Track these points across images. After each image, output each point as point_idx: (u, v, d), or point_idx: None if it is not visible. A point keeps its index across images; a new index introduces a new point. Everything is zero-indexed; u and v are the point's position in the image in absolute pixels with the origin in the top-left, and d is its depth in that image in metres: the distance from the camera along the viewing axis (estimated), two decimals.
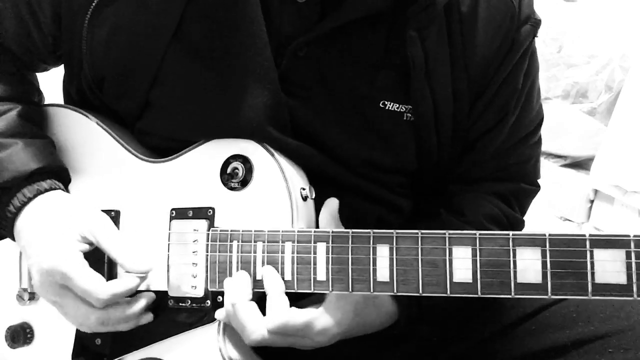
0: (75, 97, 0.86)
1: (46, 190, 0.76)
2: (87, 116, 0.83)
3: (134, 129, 0.82)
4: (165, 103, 0.79)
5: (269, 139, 0.75)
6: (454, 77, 0.79)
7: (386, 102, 0.79)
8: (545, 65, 1.97)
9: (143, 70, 0.77)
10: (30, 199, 0.74)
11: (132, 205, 0.79)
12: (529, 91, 0.86)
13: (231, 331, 0.75)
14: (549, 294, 0.61)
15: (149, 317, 0.75)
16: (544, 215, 1.90)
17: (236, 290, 0.69)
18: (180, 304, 0.75)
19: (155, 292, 0.76)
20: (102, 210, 0.78)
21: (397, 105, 0.79)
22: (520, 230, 0.89)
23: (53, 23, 0.81)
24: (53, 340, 0.80)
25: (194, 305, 0.74)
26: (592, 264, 0.60)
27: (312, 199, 0.75)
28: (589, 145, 1.95)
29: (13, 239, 0.76)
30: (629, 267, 0.58)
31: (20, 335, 0.80)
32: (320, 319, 0.68)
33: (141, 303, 0.73)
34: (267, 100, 0.76)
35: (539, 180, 0.94)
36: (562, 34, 1.96)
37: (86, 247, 0.72)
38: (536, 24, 0.82)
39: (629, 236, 0.59)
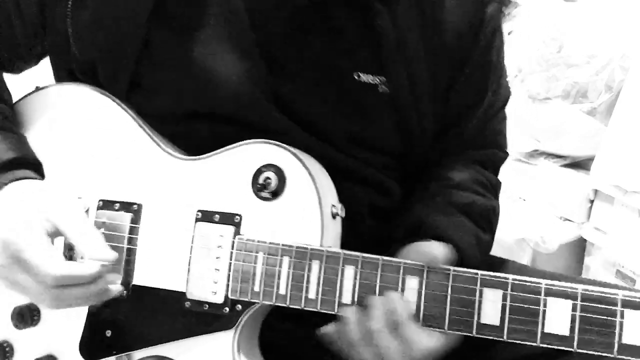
0: None
1: (21, 179, 0.75)
2: (114, 100, 0.82)
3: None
4: (153, 80, 0.80)
5: (260, 109, 0.77)
6: (428, 53, 0.81)
7: (360, 74, 0.80)
8: (545, 65, 1.96)
9: (129, 49, 0.79)
10: (3, 185, 0.73)
11: (155, 201, 0.78)
12: (500, 67, 0.90)
13: (245, 340, 0.74)
14: (575, 348, 0.63)
15: (118, 288, 0.73)
16: (544, 215, 1.89)
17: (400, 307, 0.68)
18: (198, 308, 0.74)
19: (173, 292, 0.75)
20: (124, 202, 0.76)
21: (371, 76, 0.80)
22: (499, 191, 0.94)
23: (37, 10, 0.82)
24: (60, 323, 0.80)
25: (211, 310, 0.74)
26: (622, 324, 0.61)
27: (341, 217, 0.75)
28: (589, 145, 1.95)
29: None
30: None
31: (27, 315, 0.80)
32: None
33: (102, 283, 0.70)
34: (251, 71, 0.78)
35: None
36: (562, 34, 1.96)
37: (50, 226, 0.70)
38: (502, 1, 0.86)
39: None
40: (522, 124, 1.98)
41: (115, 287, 0.74)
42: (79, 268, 0.68)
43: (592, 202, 1.94)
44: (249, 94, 0.79)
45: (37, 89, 0.87)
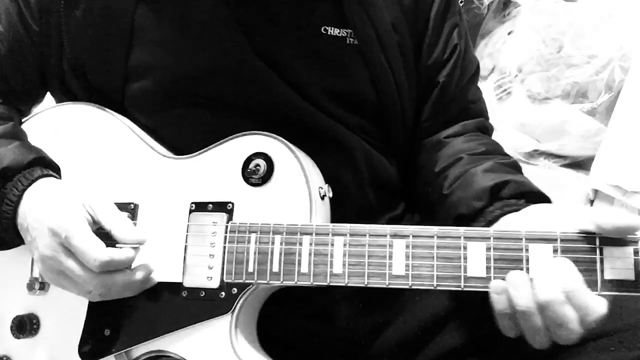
0: None
1: (47, 176, 0.79)
2: (109, 112, 0.86)
3: (126, 107, 0.86)
4: (142, 66, 0.84)
5: (251, 71, 0.82)
6: (389, 9, 0.86)
7: (327, 28, 0.84)
8: (545, 65, 1.97)
9: (118, 39, 0.83)
10: (33, 181, 0.78)
11: (151, 199, 0.82)
12: (465, 30, 0.94)
13: (243, 326, 0.75)
14: None
15: (152, 282, 0.77)
16: None
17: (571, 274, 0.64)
18: (194, 295, 0.76)
19: (169, 283, 0.77)
20: (120, 203, 0.80)
21: (338, 30, 0.85)
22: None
23: (39, 25, 0.86)
24: (58, 332, 0.82)
25: (208, 297, 0.75)
26: (602, 260, 0.61)
27: (329, 197, 0.77)
28: (589, 145, 1.95)
29: (15, 228, 0.77)
30: (637, 264, 0.60)
31: (26, 325, 0.82)
32: None
33: (142, 270, 0.75)
34: (231, 40, 0.82)
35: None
36: (562, 34, 1.96)
37: (89, 216, 0.75)
38: None
39: (636, 236, 0.60)
40: (522, 124, 1.98)
41: (154, 278, 0.78)
42: (120, 252, 0.73)
43: (592, 202, 1.94)
44: (230, 56, 0.83)
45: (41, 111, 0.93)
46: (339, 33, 0.85)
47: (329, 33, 0.85)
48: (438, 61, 0.91)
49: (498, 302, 0.66)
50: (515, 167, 0.87)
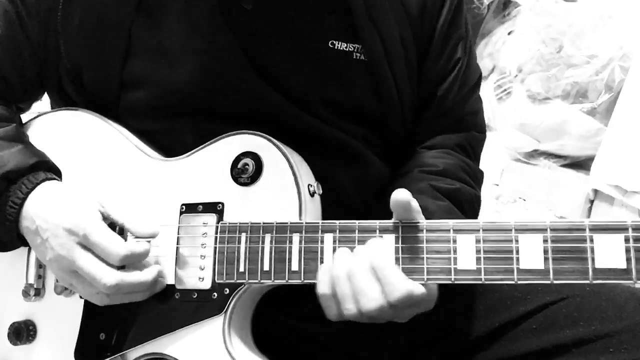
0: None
1: (50, 179, 0.79)
2: (102, 118, 0.86)
3: (119, 113, 0.86)
4: (139, 76, 0.83)
5: (248, 85, 0.81)
6: (397, 22, 0.85)
7: (335, 42, 0.83)
8: (545, 65, 1.97)
9: (114, 48, 0.82)
10: (37, 184, 0.78)
11: (142, 202, 0.81)
12: (469, 42, 0.93)
13: (236, 326, 0.75)
14: (551, 279, 0.62)
15: (162, 284, 0.77)
16: (544, 215, 1.89)
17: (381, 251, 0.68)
18: (187, 297, 0.76)
19: None
20: None
21: (346, 44, 0.83)
22: (482, 183, 0.95)
23: (38, 28, 0.86)
24: (55, 338, 0.82)
25: (200, 298, 0.75)
26: (592, 249, 0.61)
27: (319, 194, 0.77)
28: (589, 145, 1.95)
29: (18, 231, 0.77)
30: (627, 251, 0.59)
31: (23, 332, 0.82)
32: (432, 288, 0.70)
33: (154, 270, 0.75)
34: (229, 52, 0.81)
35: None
36: (562, 34, 1.96)
37: (101, 213, 0.76)
38: None
39: (626, 222, 0.60)
40: (522, 124, 1.98)
41: (164, 280, 0.78)
42: (138, 245, 0.74)
43: (592, 202, 1.93)
44: (227, 69, 0.82)
45: (39, 114, 0.93)
46: (346, 47, 0.84)
47: (336, 47, 0.84)
48: (439, 74, 0.91)
49: (321, 280, 0.70)
50: (449, 194, 0.85)
